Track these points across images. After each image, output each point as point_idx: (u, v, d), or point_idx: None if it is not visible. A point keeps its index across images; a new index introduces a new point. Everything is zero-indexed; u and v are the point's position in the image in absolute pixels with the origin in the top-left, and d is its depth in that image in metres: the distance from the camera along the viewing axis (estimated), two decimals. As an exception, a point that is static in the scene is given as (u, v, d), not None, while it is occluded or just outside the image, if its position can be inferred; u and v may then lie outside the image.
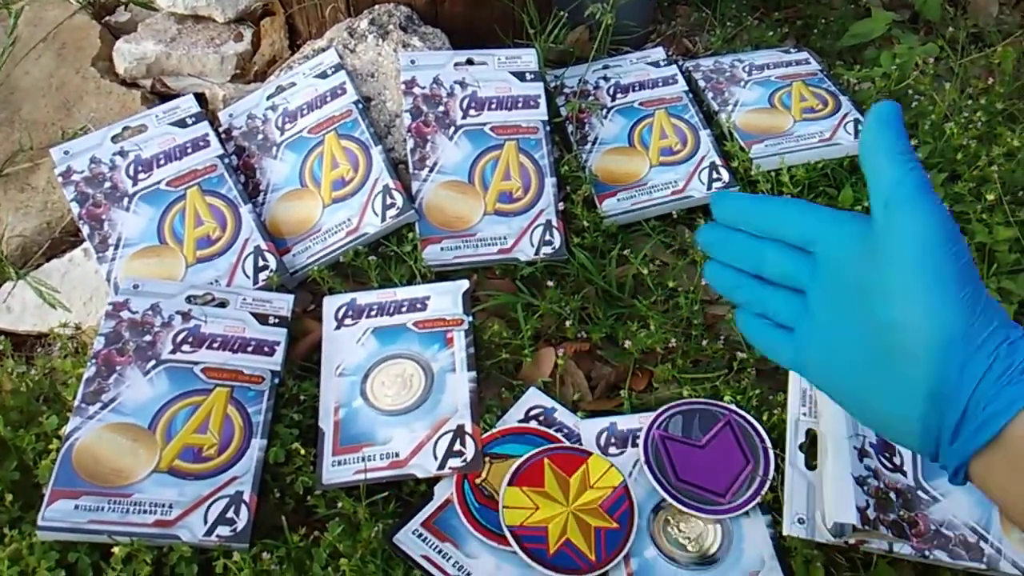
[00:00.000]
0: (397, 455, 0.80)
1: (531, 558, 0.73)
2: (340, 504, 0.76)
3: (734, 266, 0.53)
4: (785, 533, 0.74)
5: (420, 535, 0.75)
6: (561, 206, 1.00)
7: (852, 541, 0.73)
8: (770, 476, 0.79)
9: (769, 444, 0.81)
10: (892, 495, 0.74)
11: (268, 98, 1.07)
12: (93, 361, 0.82)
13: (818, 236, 0.48)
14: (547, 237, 0.98)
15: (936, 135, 1.12)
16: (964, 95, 1.21)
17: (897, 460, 0.77)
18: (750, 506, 0.77)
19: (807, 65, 1.23)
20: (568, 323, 0.91)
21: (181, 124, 1.02)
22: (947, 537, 0.73)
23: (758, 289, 0.52)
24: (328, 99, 1.05)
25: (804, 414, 0.81)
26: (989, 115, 1.15)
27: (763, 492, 0.78)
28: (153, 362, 0.83)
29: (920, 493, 0.76)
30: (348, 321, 0.90)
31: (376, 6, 1.13)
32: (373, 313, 0.91)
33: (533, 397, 0.86)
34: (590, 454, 0.80)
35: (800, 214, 0.49)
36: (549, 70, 1.17)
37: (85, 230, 0.95)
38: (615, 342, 0.92)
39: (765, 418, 0.83)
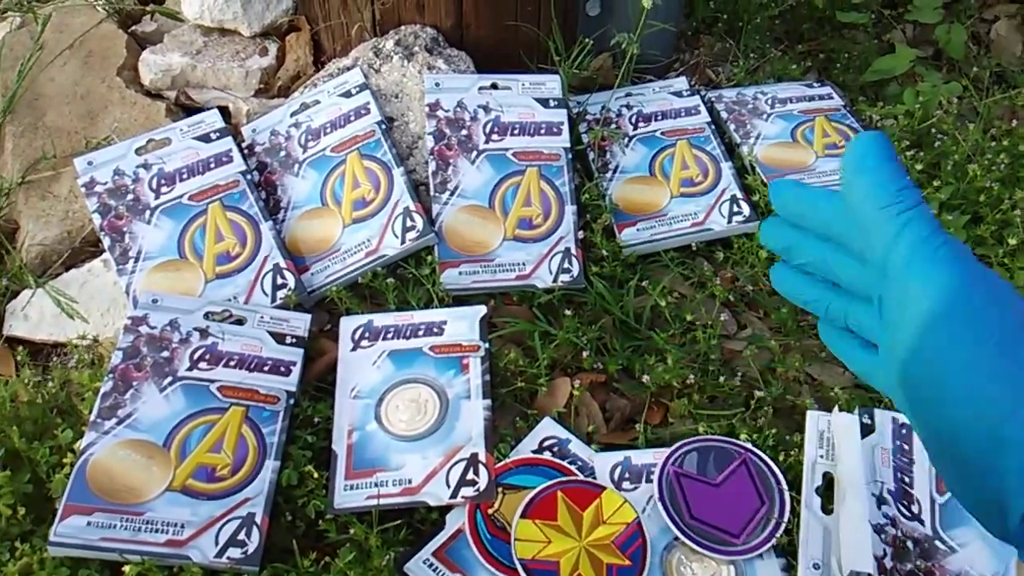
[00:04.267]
0: (410, 482, 0.79)
1: (542, 593, 0.72)
2: (352, 530, 0.75)
3: (806, 270, 0.46)
4: (799, 578, 0.73)
5: (431, 565, 0.74)
6: (580, 234, 1.00)
7: (867, 589, 0.72)
8: (785, 518, 0.78)
9: (785, 485, 0.80)
10: (910, 544, 0.74)
11: (292, 115, 1.07)
12: (110, 376, 0.82)
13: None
14: (566, 265, 0.98)
15: (959, 176, 1.12)
16: (987, 136, 1.21)
17: (915, 508, 0.77)
18: (764, 548, 0.76)
19: (830, 100, 1.22)
20: (585, 353, 0.91)
21: (205, 139, 1.02)
22: (963, 588, 0.73)
23: (836, 300, 0.45)
24: (352, 118, 1.05)
25: (821, 456, 0.80)
26: (1012, 157, 1.15)
27: (778, 534, 0.77)
28: (170, 379, 0.83)
29: (938, 543, 0.75)
30: (364, 343, 0.90)
31: (402, 27, 1.13)
32: (389, 335, 0.90)
33: (547, 427, 0.86)
34: (604, 488, 0.80)
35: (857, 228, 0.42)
36: (572, 96, 1.17)
37: (106, 242, 0.95)
38: (631, 374, 0.92)
39: (781, 459, 0.82)
